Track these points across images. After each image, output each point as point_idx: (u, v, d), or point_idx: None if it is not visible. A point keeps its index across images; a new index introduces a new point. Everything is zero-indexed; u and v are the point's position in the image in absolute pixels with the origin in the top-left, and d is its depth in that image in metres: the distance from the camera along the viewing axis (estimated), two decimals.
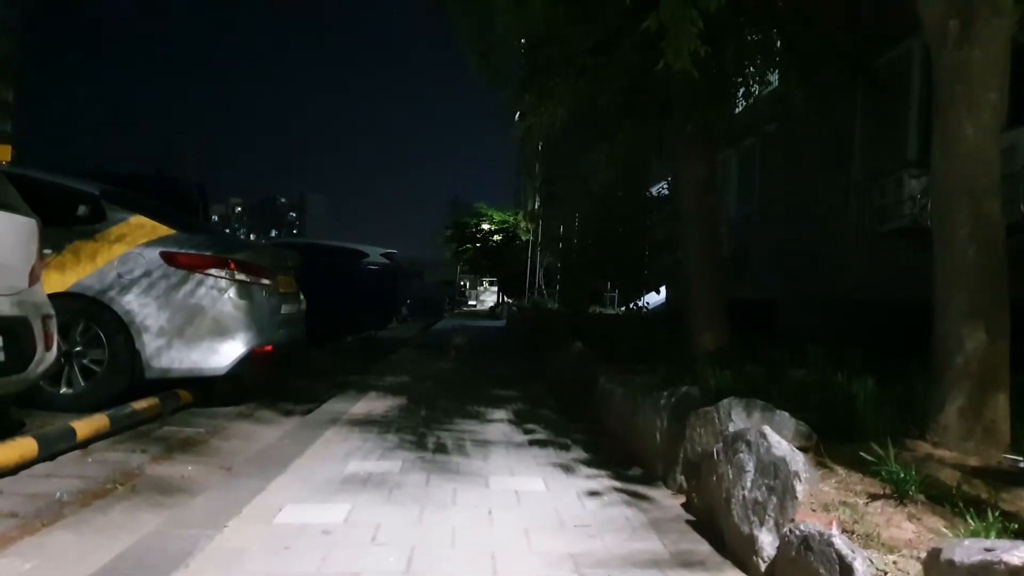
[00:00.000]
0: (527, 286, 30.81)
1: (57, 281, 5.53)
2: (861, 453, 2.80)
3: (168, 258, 5.84)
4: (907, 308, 4.89)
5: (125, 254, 5.79)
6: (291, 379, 7.59)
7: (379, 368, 9.03)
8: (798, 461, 2.48)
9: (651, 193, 15.46)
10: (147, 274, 5.79)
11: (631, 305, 15.25)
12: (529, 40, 7.53)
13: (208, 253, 6.00)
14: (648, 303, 15.65)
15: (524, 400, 6.49)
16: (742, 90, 7.74)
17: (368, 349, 11.72)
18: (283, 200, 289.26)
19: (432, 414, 5.56)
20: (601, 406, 5.29)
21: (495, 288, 47.67)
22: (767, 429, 2.66)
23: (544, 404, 6.31)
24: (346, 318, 11.86)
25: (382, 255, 14.57)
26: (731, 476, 2.75)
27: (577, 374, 6.71)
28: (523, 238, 34.68)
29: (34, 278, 4.58)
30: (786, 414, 3.16)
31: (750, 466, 2.64)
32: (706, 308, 7.00)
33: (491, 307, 39.48)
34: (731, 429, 3.08)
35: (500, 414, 5.72)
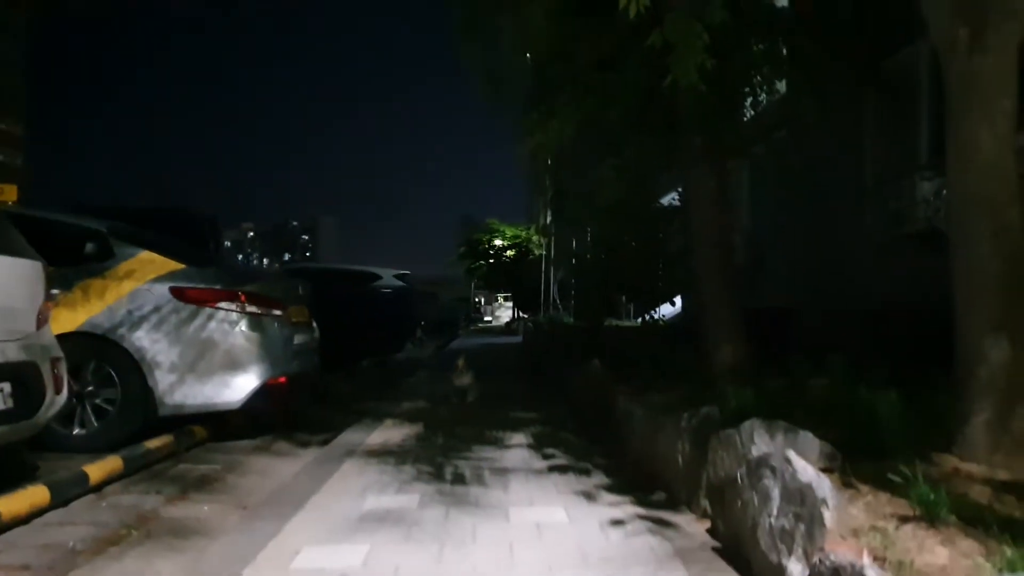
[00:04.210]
0: (542, 300, 30.73)
1: (68, 320, 5.50)
2: (889, 475, 2.69)
3: (178, 293, 5.81)
4: (924, 314, 4.77)
5: (134, 291, 5.76)
6: (307, 409, 7.53)
7: (395, 394, 8.98)
8: (825, 487, 2.39)
9: (662, 204, 15.39)
10: (157, 310, 5.74)
11: (647, 316, 15.13)
12: (534, 59, 7.49)
13: (218, 286, 5.97)
14: (664, 314, 15.54)
15: (543, 422, 6.42)
16: (750, 99, 7.67)
17: (385, 373, 11.68)
18: (295, 224, 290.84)
19: (450, 442, 5.49)
20: (621, 427, 5.20)
21: (510, 303, 47.58)
22: (792, 454, 2.58)
23: (564, 426, 6.23)
24: (362, 343, 11.80)
25: (396, 276, 14.52)
26: (756, 503, 2.66)
27: (596, 393, 6.62)
28: (536, 252, 34.62)
29: (42, 320, 4.54)
30: (810, 434, 3.07)
31: (775, 493, 2.55)
32: (722, 322, 6.86)
33: (507, 323, 39.41)
34: (754, 452, 3.00)
35: (519, 438, 5.65)
